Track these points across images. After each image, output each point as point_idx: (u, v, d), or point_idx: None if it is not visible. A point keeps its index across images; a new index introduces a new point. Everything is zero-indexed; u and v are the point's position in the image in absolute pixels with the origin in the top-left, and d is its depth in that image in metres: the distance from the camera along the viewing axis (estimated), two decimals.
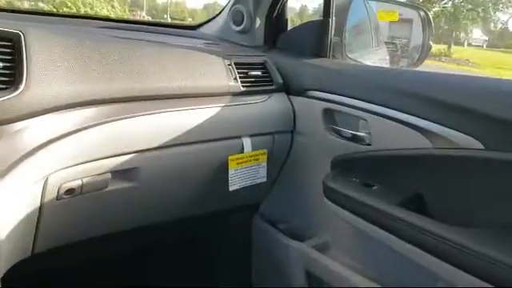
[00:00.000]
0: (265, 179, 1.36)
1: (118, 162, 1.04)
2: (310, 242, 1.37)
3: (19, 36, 0.90)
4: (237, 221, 1.58)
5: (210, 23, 1.75)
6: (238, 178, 1.30)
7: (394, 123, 1.09)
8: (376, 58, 1.86)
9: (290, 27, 1.59)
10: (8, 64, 0.88)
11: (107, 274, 1.49)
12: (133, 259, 1.56)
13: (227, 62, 1.28)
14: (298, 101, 1.36)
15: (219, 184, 1.27)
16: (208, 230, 1.64)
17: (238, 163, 1.27)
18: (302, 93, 1.34)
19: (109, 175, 1.04)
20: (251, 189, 1.35)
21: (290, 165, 1.43)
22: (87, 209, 1.08)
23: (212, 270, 1.70)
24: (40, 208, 0.96)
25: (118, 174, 1.06)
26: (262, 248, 1.55)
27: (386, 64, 1.87)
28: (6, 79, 0.87)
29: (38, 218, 0.98)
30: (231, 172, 1.27)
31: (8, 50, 0.89)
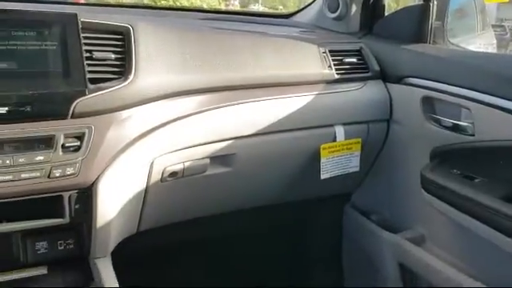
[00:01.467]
0: (357, 169, 1.34)
1: (217, 148, 1.09)
2: (404, 234, 1.33)
3: (129, 29, 0.97)
4: (328, 210, 1.57)
5: (303, 11, 1.74)
6: (329, 167, 1.29)
7: (501, 113, 1.02)
8: (481, 42, 1.74)
9: (387, 13, 1.54)
10: (119, 56, 0.95)
11: (197, 256, 1.56)
12: (222, 243, 1.62)
13: (322, 49, 1.27)
14: (396, 88, 1.31)
15: (311, 172, 1.28)
16: (299, 217, 1.65)
17: (330, 152, 1.27)
18: (399, 80, 1.30)
19: (208, 160, 1.10)
20: (343, 178, 1.34)
21: (385, 154, 1.39)
22: (187, 191, 1.14)
23: (302, 258, 1.72)
24: (146, 189, 1.04)
25: (217, 159, 1.11)
26: (354, 238, 1.54)
27: (492, 49, 1.75)
28: (117, 70, 0.94)
29: (144, 198, 1.05)
30: (323, 161, 1.27)
31: (119, 43, 0.96)
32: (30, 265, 0.98)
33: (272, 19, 1.76)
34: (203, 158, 1.09)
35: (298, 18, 1.75)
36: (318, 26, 1.62)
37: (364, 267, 1.50)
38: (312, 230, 1.67)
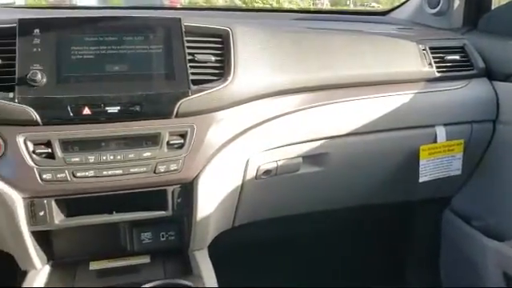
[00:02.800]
0: (459, 172, 1.27)
1: (310, 147, 1.09)
2: (510, 243, 1.24)
3: (228, 32, 1.01)
4: (426, 214, 1.51)
5: (401, 8, 1.68)
6: (429, 169, 1.23)
7: None
8: None
9: (493, 6, 1.44)
10: (219, 58, 0.99)
11: (285, 254, 1.57)
12: (312, 242, 1.61)
13: (421, 46, 1.22)
14: (503, 87, 1.22)
15: (408, 174, 1.23)
16: (394, 220, 1.60)
17: (430, 153, 1.21)
18: (507, 78, 1.21)
19: (301, 159, 1.11)
20: (443, 181, 1.27)
21: (490, 157, 1.30)
22: (280, 189, 1.16)
23: (397, 261, 1.66)
24: (241, 186, 1.07)
25: (310, 158, 1.12)
26: (453, 245, 1.46)
27: None
28: (217, 71, 0.98)
29: (240, 195, 1.09)
30: (422, 162, 1.21)
31: (219, 46, 1.00)
32: (135, 253, 1.05)
33: (368, 17, 1.73)
34: (296, 157, 1.10)
35: (395, 15, 1.69)
36: (417, 22, 1.56)
37: (463, 274, 1.41)
38: (408, 233, 1.61)
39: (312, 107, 1.08)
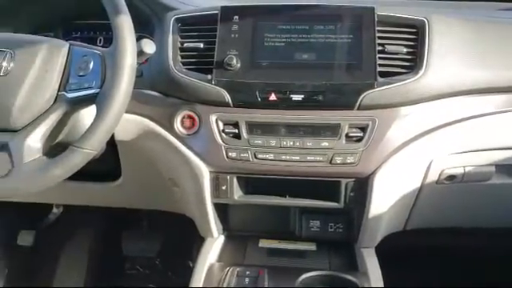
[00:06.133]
0: None
1: (506, 155, 0.96)
2: None
3: (424, 23, 0.94)
4: None
5: None
6: None
7: None
8: None
9: None
10: (410, 49, 0.93)
11: (455, 268, 1.43)
12: (491, 261, 1.44)
13: None
14: None
15: None
16: None
17: None
18: None
19: (493, 168, 0.99)
20: None
21: None
22: (464, 198, 1.06)
23: None
24: (420, 188, 1.00)
25: (504, 167, 0.99)
26: None
27: None
28: (407, 64, 0.92)
29: (417, 197, 1.02)
30: None
31: (412, 37, 0.94)
32: (302, 239, 1.07)
33: None
34: (488, 165, 0.99)
35: None
36: None
37: None
38: None
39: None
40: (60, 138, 0.86)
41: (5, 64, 0.82)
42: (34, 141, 0.79)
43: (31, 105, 0.81)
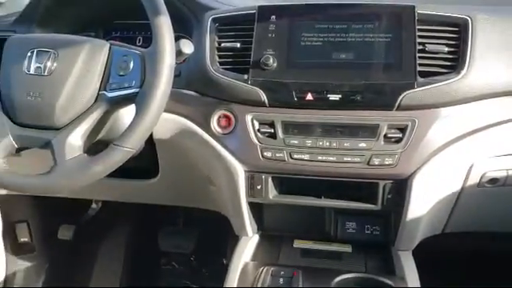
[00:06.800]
0: None
1: None
2: None
3: (467, 21, 0.91)
4: None
5: None
6: None
7: None
8: None
9: None
10: (452, 49, 0.90)
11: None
12: None
13: None
14: None
15: None
16: None
17: None
18: None
19: None
20: None
21: None
22: (505, 201, 1.02)
23: None
24: (460, 191, 0.97)
25: None
26: None
27: None
28: (449, 63, 0.90)
29: (457, 200, 0.99)
30: None
31: (454, 35, 0.91)
32: (337, 240, 1.06)
33: None
34: None
35: None
36: None
37: None
38: None
39: None
40: (100, 136, 0.88)
41: (49, 64, 0.85)
42: (76, 139, 0.81)
43: (73, 104, 0.83)
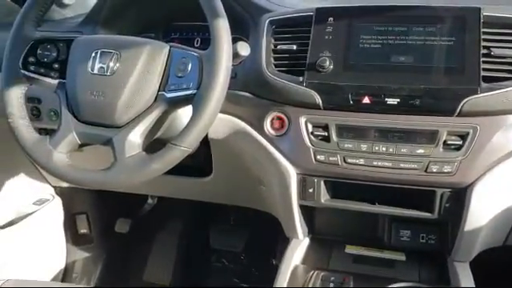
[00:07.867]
0: None
1: None
2: None
3: None
4: None
5: None
6: None
7: None
8: None
9: None
10: None
11: None
12: None
13: None
14: None
15: None
16: None
17: None
18: None
19: None
20: None
21: None
22: None
23: None
24: None
25: None
26: None
27: None
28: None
29: None
30: None
31: None
32: (391, 248, 1.04)
33: None
34: None
35: None
36: None
37: None
38: None
39: None
40: (158, 135, 0.91)
41: (111, 64, 0.88)
42: (135, 137, 0.84)
43: (134, 103, 0.86)
